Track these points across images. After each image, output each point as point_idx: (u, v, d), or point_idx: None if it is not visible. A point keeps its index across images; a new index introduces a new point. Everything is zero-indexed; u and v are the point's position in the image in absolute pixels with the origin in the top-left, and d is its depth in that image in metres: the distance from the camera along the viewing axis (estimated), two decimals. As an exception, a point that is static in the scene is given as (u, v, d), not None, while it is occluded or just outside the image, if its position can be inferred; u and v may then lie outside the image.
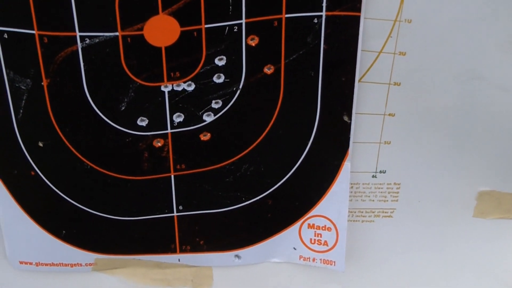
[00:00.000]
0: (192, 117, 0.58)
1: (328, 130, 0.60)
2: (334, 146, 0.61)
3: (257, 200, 0.64)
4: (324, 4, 0.54)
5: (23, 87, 0.55)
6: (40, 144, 0.58)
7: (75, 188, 0.61)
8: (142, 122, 0.58)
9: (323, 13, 0.54)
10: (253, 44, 0.55)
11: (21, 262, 0.66)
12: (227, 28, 0.54)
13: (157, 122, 0.58)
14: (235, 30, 0.54)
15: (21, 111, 0.56)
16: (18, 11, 0.51)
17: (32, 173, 0.60)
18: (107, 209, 0.63)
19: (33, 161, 0.59)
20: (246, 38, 0.55)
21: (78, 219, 0.63)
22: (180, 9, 0.52)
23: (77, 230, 0.64)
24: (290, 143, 0.61)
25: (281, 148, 0.61)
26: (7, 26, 0.52)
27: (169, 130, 0.59)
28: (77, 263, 0.66)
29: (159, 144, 0.59)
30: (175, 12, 0.52)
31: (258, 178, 0.63)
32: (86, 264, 0.66)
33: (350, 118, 0.59)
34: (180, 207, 0.63)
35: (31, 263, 0.66)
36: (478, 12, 0.55)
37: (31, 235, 0.64)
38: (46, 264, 0.66)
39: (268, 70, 0.57)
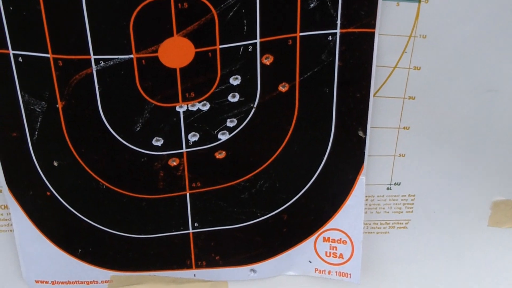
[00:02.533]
0: (207, 136, 0.58)
1: (343, 146, 0.60)
2: (349, 161, 0.61)
3: (272, 215, 0.64)
4: (338, 22, 0.54)
5: (38, 110, 0.55)
6: (55, 164, 0.58)
7: (91, 207, 0.61)
8: (157, 142, 0.58)
9: (338, 31, 0.54)
10: (268, 63, 0.55)
11: (37, 281, 0.66)
12: (242, 48, 0.54)
13: (172, 141, 0.58)
14: (249, 49, 0.54)
15: (36, 133, 0.56)
16: (33, 35, 0.51)
17: (48, 193, 0.60)
18: (123, 228, 0.63)
19: (48, 182, 0.59)
20: (260, 57, 0.55)
21: (94, 237, 0.63)
22: (194, 31, 0.52)
23: (93, 248, 0.64)
24: (305, 159, 0.61)
25: (296, 164, 0.61)
26: (22, 50, 0.52)
27: (184, 150, 0.59)
28: (93, 281, 0.66)
29: (175, 163, 0.59)
30: (189, 33, 0.52)
31: (273, 194, 0.63)
32: (102, 282, 0.66)
33: (365, 133, 0.59)
34: (196, 224, 0.63)
35: (47, 282, 0.66)
36: (492, 25, 0.55)
37: (47, 254, 0.64)
38: (62, 283, 0.66)
39: (283, 88, 0.57)
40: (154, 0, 0.50)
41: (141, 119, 0.56)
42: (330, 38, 0.55)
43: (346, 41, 0.55)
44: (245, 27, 0.53)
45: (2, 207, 0.62)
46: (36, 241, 0.63)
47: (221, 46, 0.53)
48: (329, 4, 0.53)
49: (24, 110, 0.55)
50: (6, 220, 0.63)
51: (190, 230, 0.64)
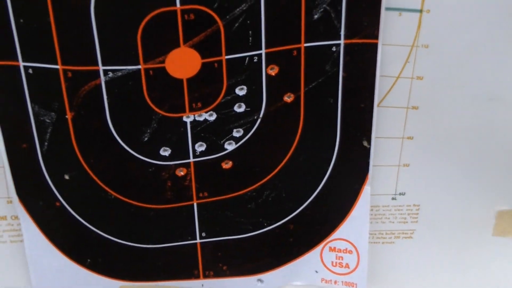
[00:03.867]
0: (214, 146, 0.59)
1: (348, 156, 0.61)
2: (354, 171, 0.62)
3: (278, 225, 0.64)
4: (342, 33, 0.55)
5: (47, 121, 0.56)
6: (66, 177, 0.59)
7: (100, 217, 0.62)
8: (165, 152, 0.58)
9: (342, 41, 0.55)
10: (273, 74, 0.56)
11: (46, 292, 0.66)
12: (247, 58, 0.55)
13: (180, 151, 0.59)
14: (255, 60, 0.55)
15: (46, 143, 0.57)
16: (43, 47, 0.52)
17: (58, 204, 0.60)
18: (131, 238, 0.63)
19: (58, 192, 0.60)
20: (266, 67, 0.55)
21: (103, 247, 0.63)
22: (201, 42, 0.53)
23: (102, 258, 0.64)
24: (310, 169, 0.61)
25: (302, 174, 0.62)
26: (32, 62, 0.53)
27: (191, 159, 0.59)
28: (102, 291, 0.67)
29: (182, 173, 0.60)
30: (196, 44, 0.53)
31: (280, 204, 0.63)
32: (111, 292, 0.67)
33: (369, 143, 0.60)
34: (203, 234, 0.64)
35: (56, 292, 0.66)
36: (494, 33, 0.56)
37: (56, 264, 0.64)
38: (71, 293, 0.67)
39: (288, 98, 0.57)
40: (161, 11, 0.51)
41: (148, 129, 0.57)
42: (334, 49, 0.55)
43: (350, 52, 0.56)
44: (250, 38, 0.54)
45: (13, 217, 0.63)
46: (46, 251, 0.63)
47: (227, 57, 0.54)
48: (333, 16, 0.54)
49: (34, 121, 0.56)
50: (16, 230, 0.64)
51: (198, 240, 0.64)
